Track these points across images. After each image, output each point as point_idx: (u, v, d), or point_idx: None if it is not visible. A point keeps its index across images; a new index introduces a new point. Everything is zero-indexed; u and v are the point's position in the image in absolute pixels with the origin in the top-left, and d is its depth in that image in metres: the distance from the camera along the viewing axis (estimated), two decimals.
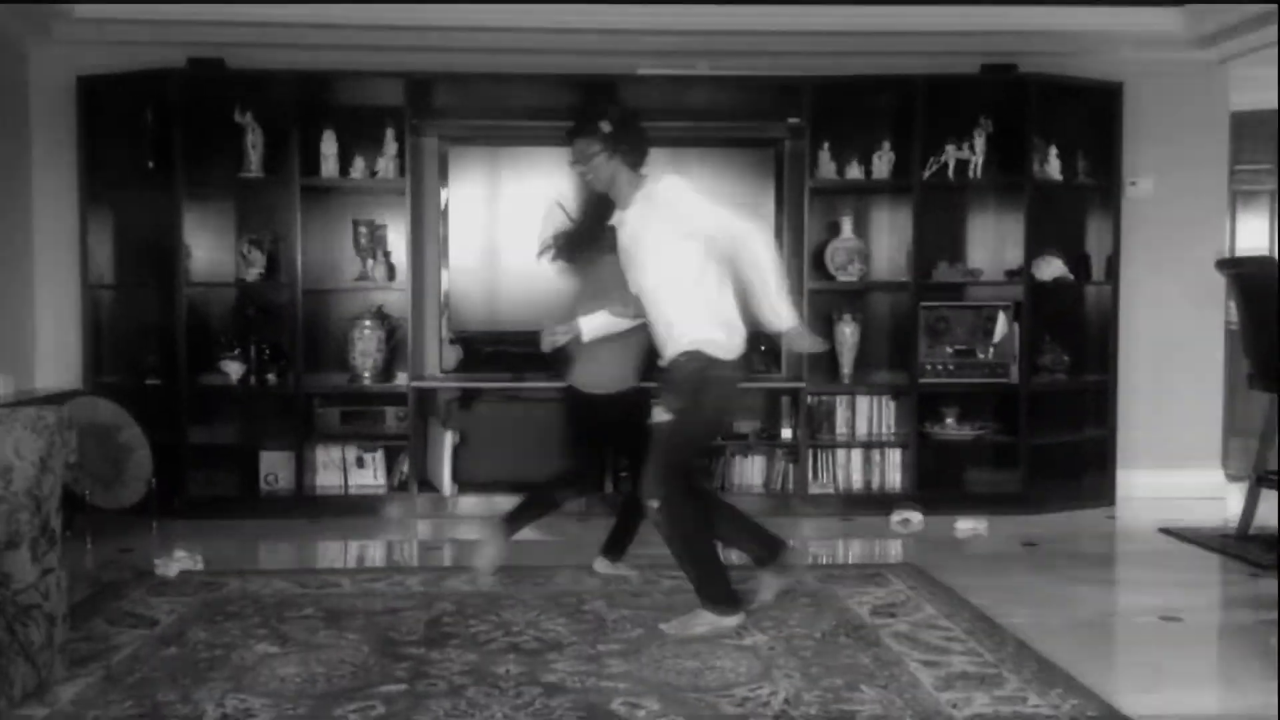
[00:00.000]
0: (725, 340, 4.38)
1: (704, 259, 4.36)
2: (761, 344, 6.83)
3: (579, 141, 4.51)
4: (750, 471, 6.91)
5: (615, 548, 5.22)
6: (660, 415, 4.38)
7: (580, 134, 4.51)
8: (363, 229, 6.81)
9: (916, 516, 6.56)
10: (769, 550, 4.73)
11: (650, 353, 4.75)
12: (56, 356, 6.90)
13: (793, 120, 6.82)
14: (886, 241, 7.15)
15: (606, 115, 4.51)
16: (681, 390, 4.37)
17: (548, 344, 4.82)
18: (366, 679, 3.85)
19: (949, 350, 6.89)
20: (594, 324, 4.77)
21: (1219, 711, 3.81)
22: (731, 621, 4.41)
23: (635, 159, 4.51)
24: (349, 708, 3.59)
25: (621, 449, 5.50)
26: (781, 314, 4.34)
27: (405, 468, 6.80)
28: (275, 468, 6.79)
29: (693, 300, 4.38)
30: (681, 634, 4.35)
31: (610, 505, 5.69)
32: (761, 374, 6.79)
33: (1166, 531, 6.29)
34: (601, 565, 5.21)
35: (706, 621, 4.40)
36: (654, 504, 4.36)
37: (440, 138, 6.89)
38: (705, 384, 4.37)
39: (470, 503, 6.71)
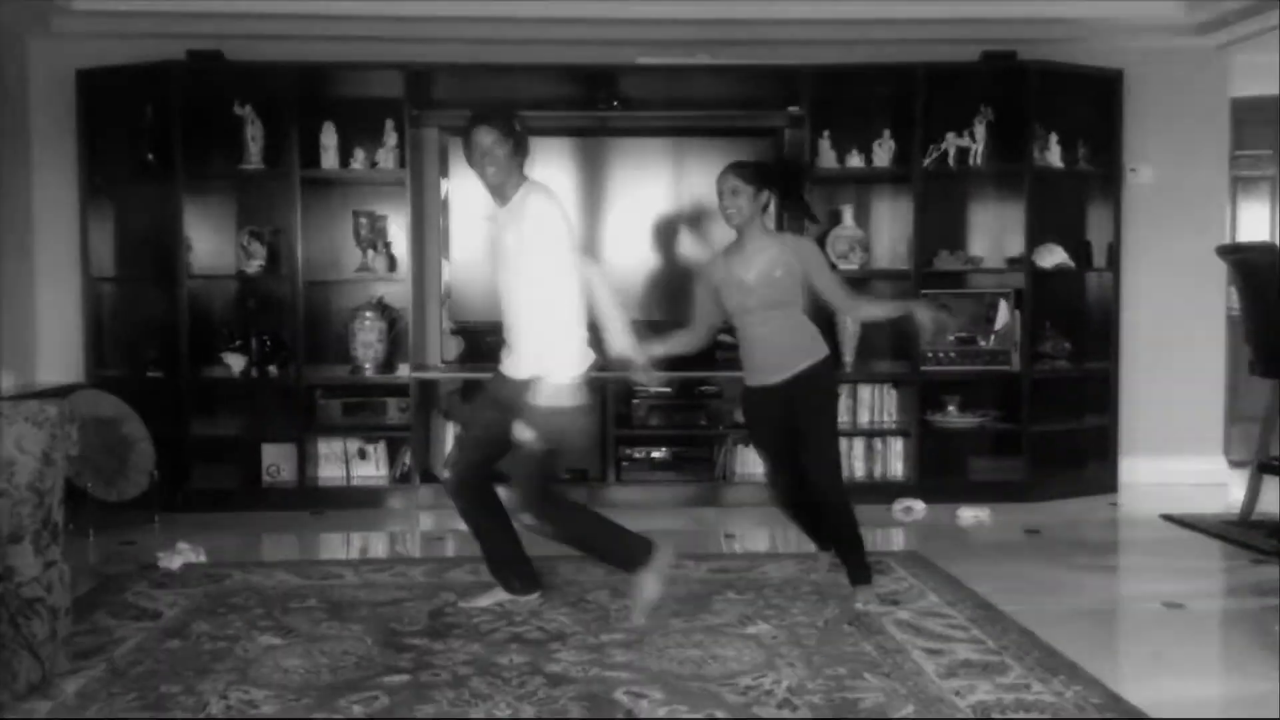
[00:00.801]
0: (583, 360, 4.37)
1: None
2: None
3: (493, 130, 4.37)
4: (752, 462, 6.90)
5: (821, 537, 5.10)
6: (524, 435, 4.25)
7: (495, 123, 4.38)
8: (363, 220, 6.80)
9: (919, 505, 6.57)
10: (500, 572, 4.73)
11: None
12: (58, 350, 6.90)
13: (793, 109, 6.81)
14: (887, 230, 7.15)
15: (513, 115, 4.47)
16: (546, 418, 4.26)
17: None
18: (370, 670, 3.86)
19: (950, 339, 6.89)
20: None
21: (1222, 698, 3.82)
22: (667, 556, 4.48)
23: (524, 161, 4.47)
24: (352, 699, 3.59)
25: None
26: (623, 348, 4.59)
27: (407, 459, 6.80)
28: (277, 460, 6.79)
29: (558, 311, 4.32)
30: (645, 610, 4.41)
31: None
32: None
33: (1169, 518, 6.29)
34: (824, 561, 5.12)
35: (648, 581, 4.43)
36: (530, 520, 4.35)
37: (440, 129, 6.88)
38: (575, 411, 4.35)
39: None
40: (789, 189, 5.08)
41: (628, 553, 4.48)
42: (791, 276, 4.64)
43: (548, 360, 4.26)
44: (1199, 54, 7.27)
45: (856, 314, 4.92)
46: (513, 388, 4.40)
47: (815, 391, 4.67)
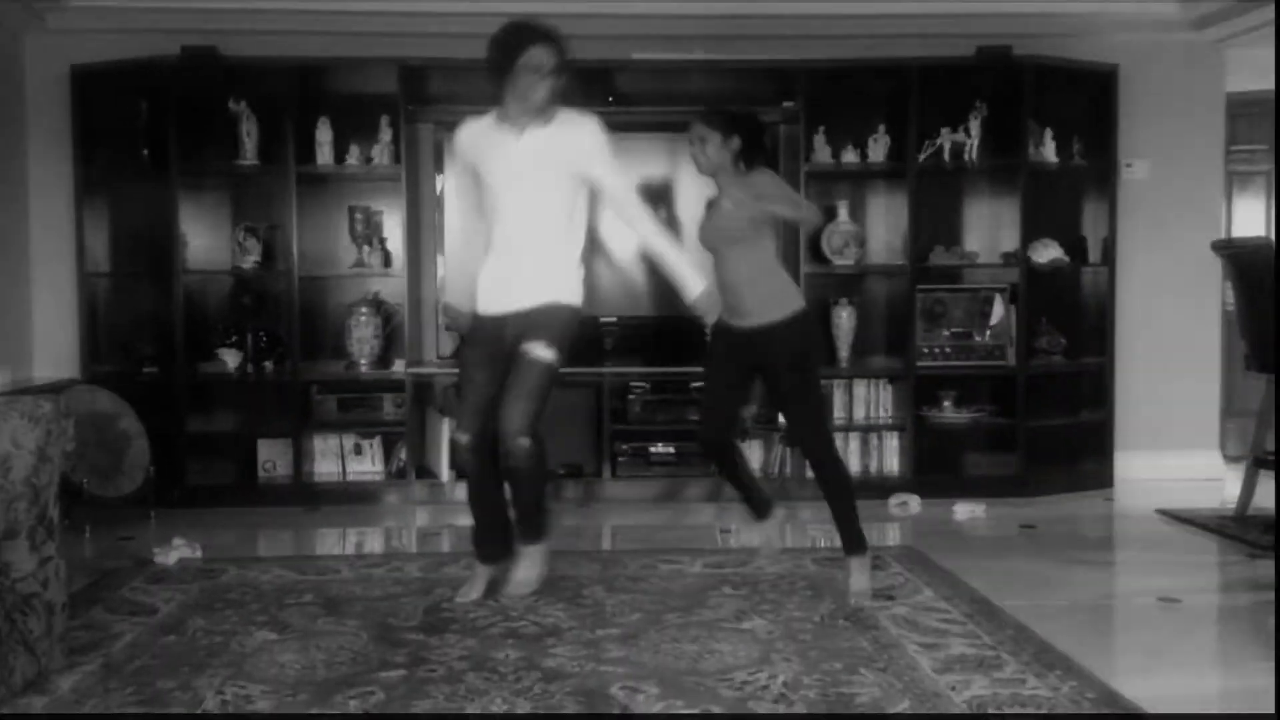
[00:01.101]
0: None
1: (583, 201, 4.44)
2: None
3: (556, 51, 4.31)
4: (748, 456, 6.90)
5: (755, 502, 5.03)
6: (544, 352, 4.29)
7: (557, 44, 4.32)
8: (359, 216, 6.80)
9: (915, 500, 6.57)
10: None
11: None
12: (53, 346, 6.89)
13: (787, 105, 6.82)
14: (882, 226, 7.15)
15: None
16: (564, 337, 4.38)
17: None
18: (366, 665, 3.86)
19: (946, 334, 6.90)
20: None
21: (1218, 693, 3.82)
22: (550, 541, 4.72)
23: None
24: (348, 694, 3.59)
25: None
26: (689, 283, 4.47)
27: (403, 455, 6.80)
28: (273, 456, 6.79)
29: (574, 241, 4.43)
30: (532, 583, 4.60)
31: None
32: None
33: (1164, 514, 6.29)
34: (761, 535, 5.10)
35: (540, 555, 4.63)
36: (525, 442, 4.30)
37: (435, 124, 6.87)
38: (572, 335, 4.46)
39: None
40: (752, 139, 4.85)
41: (545, 522, 4.60)
42: (745, 210, 4.56)
43: (570, 284, 4.39)
44: (1194, 49, 7.28)
45: (802, 213, 4.81)
46: (514, 324, 4.37)
47: (790, 354, 4.60)
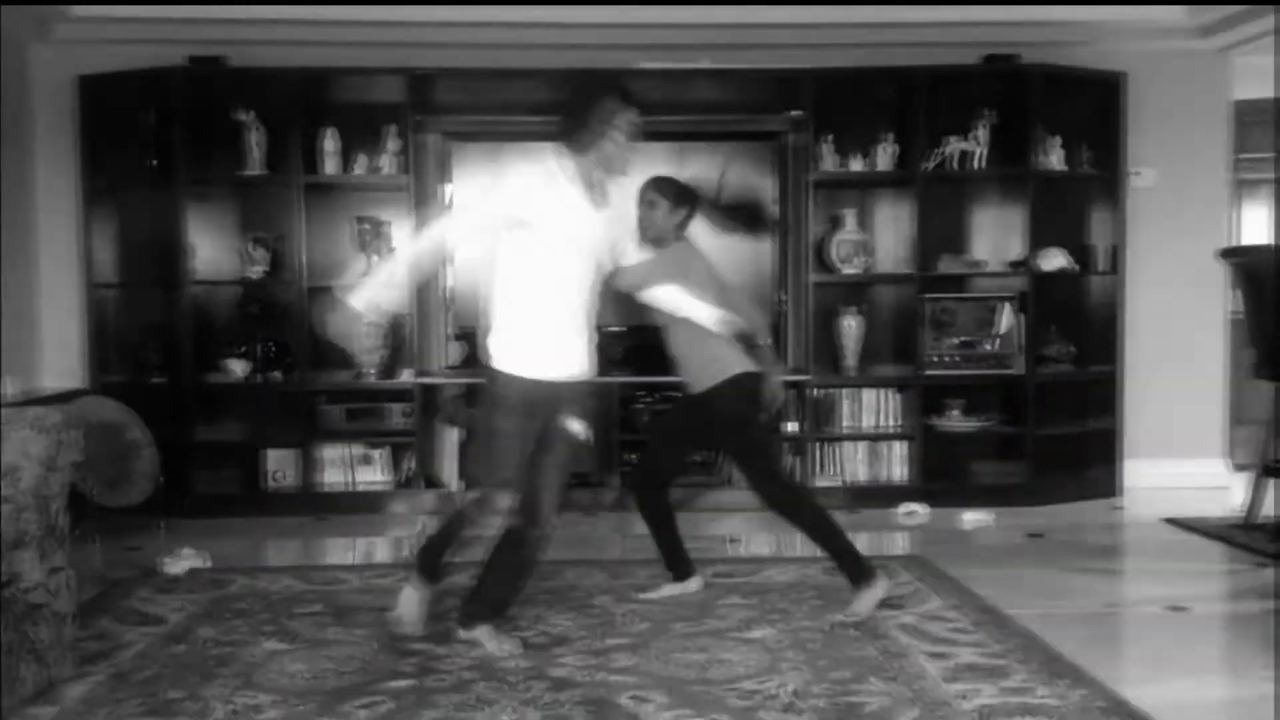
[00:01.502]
0: None
1: None
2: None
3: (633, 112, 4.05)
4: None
5: (681, 563, 4.90)
6: (580, 428, 4.13)
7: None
8: (366, 226, 6.81)
9: (923, 509, 6.56)
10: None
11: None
12: (60, 356, 6.91)
13: (794, 113, 6.82)
14: (889, 234, 7.14)
15: None
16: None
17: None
18: (374, 674, 3.86)
19: (953, 342, 6.89)
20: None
21: (1226, 701, 3.81)
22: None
23: None
24: (357, 703, 3.59)
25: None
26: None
27: (411, 464, 6.80)
28: (281, 465, 6.80)
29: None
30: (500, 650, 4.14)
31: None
32: None
33: (1172, 522, 6.29)
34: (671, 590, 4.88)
35: (489, 636, 4.18)
36: (554, 521, 4.15)
37: (442, 134, 6.89)
38: None
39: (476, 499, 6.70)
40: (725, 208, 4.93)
41: (505, 604, 4.29)
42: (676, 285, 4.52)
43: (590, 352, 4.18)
44: (1201, 57, 7.28)
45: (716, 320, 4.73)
46: (558, 394, 4.07)
47: (727, 419, 4.61)
